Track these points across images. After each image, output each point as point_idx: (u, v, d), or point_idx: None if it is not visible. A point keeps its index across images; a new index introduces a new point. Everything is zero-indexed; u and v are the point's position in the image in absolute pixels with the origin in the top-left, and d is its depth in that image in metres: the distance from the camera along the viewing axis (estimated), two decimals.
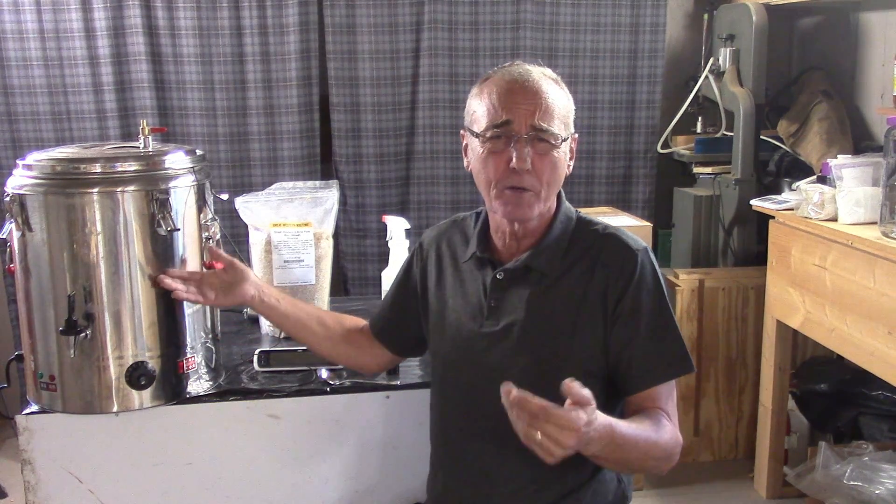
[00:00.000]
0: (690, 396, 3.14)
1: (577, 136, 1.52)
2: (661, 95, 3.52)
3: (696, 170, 3.46)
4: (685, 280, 3.10)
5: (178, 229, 1.58)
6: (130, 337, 1.58)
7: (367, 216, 3.45)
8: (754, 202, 2.95)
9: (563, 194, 1.54)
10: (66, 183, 1.53)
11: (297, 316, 1.66)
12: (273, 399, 1.70)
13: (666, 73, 3.53)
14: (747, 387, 3.17)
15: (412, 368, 1.82)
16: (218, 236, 1.69)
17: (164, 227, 1.55)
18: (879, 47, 3.12)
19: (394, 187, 3.47)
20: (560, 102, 1.46)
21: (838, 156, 2.69)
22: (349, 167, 3.42)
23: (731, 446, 3.22)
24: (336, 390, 1.72)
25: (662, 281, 1.49)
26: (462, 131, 1.53)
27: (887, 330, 2.27)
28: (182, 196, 1.60)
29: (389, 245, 2.10)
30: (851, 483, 2.56)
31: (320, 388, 1.72)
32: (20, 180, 1.55)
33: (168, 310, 1.61)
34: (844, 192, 2.49)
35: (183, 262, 1.62)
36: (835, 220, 2.53)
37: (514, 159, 1.41)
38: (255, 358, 1.79)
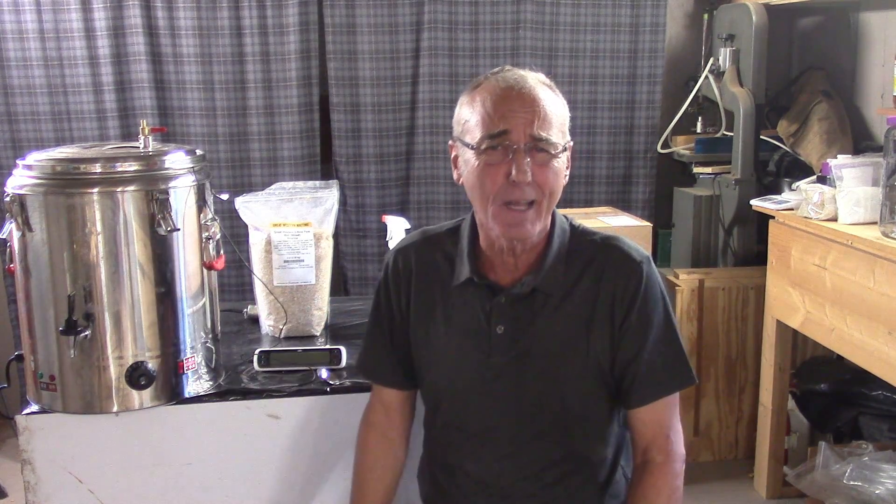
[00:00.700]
0: (690, 396, 3.14)
1: (572, 144, 1.45)
2: (661, 95, 3.52)
3: (696, 170, 3.46)
4: (685, 280, 3.10)
5: (178, 229, 1.58)
6: (130, 337, 1.58)
7: (367, 216, 3.45)
8: (754, 202, 2.95)
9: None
10: (66, 183, 1.53)
11: None
12: (273, 399, 1.69)
13: (666, 73, 3.54)
14: (747, 387, 3.17)
15: None
16: (218, 236, 1.69)
17: (164, 227, 1.55)
18: (879, 47, 3.12)
19: (394, 187, 3.47)
20: (557, 110, 1.39)
21: (838, 156, 2.70)
22: (349, 167, 3.42)
23: (731, 446, 3.22)
24: (336, 390, 1.71)
25: (665, 291, 1.47)
26: (451, 142, 1.45)
27: (887, 330, 2.27)
28: (182, 196, 1.60)
29: (389, 245, 2.10)
30: (851, 483, 2.56)
31: (320, 388, 1.72)
32: (20, 180, 1.55)
33: (168, 310, 1.61)
34: (844, 192, 2.49)
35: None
36: (835, 220, 2.53)
37: (513, 172, 1.33)
38: (255, 358, 1.79)
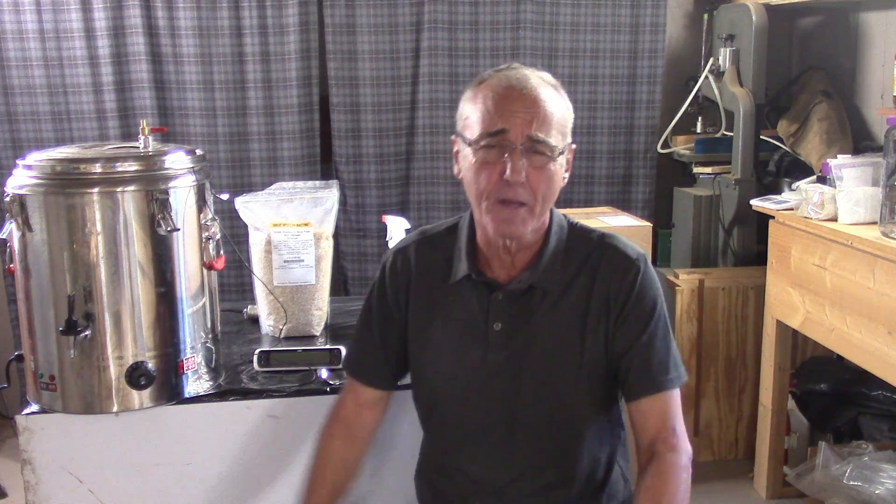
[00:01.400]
0: (690, 396, 3.14)
1: (574, 146, 1.45)
2: (661, 95, 3.52)
3: (696, 170, 3.46)
4: (685, 280, 3.10)
5: (178, 229, 1.58)
6: (130, 337, 1.58)
7: (367, 216, 3.45)
8: (754, 202, 2.95)
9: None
10: (66, 183, 1.53)
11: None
12: (273, 399, 1.70)
13: (666, 73, 3.53)
14: (747, 387, 3.17)
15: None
16: (218, 236, 1.69)
17: (164, 227, 1.55)
18: (879, 47, 3.12)
19: (394, 187, 3.47)
20: (559, 111, 1.39)
21: (838, 156, 2.70)
22: (349, 167, 3.42)
23: (731, 446, 3.22)
24: (336, 390, 1.71)
25: (660, 289, 1.47)
26: (453, 137, 1.45)
27: (887, 330, 2.27)
28: (182, 196, 1.60)
29: (389, 245, 2.10)
30: (851, 483, 2.56)
31: (320, 388, 1.72)
32: (20, 180, 1.55)
33: (168, 310, 1.61)
34: (844, 192, 2.49)
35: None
36: (835, 220, 2.53)
37: (507, 171, 1.33)
38: (255, 358, 1.79)
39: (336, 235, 2.92)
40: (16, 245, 1.58)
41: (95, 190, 1.53)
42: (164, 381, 1.62)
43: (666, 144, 3.55)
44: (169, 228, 1.55)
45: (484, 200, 1.38)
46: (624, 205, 3.50)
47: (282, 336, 1.98)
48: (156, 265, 1.58)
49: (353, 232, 3.47)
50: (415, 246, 1.55)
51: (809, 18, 3.57)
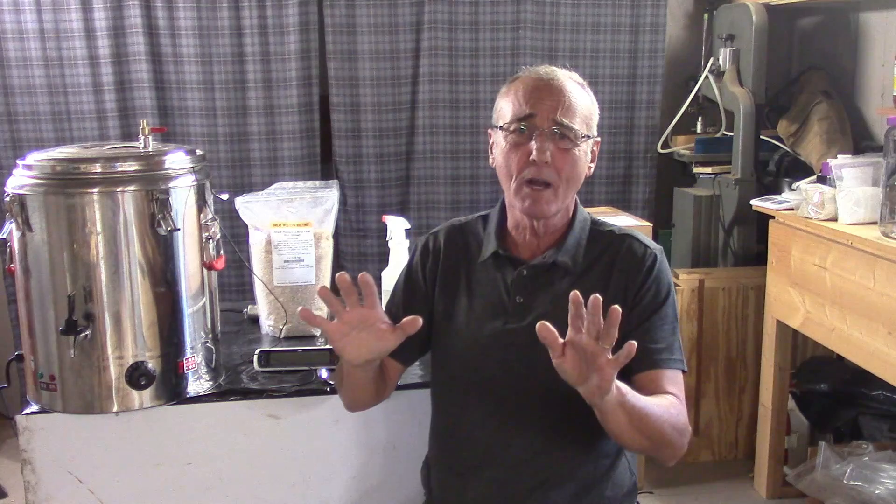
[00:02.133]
0: (690, 396, 3.14)
1: (599, 140, 1.55)
2: (661, 95, 3.52)
3: (696, 170, 3.46)
4: (685, 280, 3.10)
5: (178, 229, 1.58)
6: (130, 337, 1.58)
7: (367, 216, 3.45)
8: (754, 202, 2.95)
9: (578, 199, 1.58)
10: (66, 183, 1.53)
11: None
12: (273, 399, 1.70)
13: (666, 73, 3.53)
14: (747, 387, 3.17)
15: (412, 368, 1.81)
16: (218, 236, 1.69)
17: (164, 227, 1.55)
18: (879, 47, 3.12)
19: (394, 187, 3.47)
20: (583, 103, 1.51)
21: (838, 156, 2.70)
22: (349, 167, 3.42)
23: (731, 446, 3.22)
24: (336, 390, 1.71)
25: (672, 285, 1.54)
26: (489, 130, 1.57)
27: (887, 330, 2.27)
28: (182, 196, 1.60)
29: (389, 245, 2.10)
30: (851, 483, 2.56)
31: (320, 388, 1.72)
32: (20, 180, 1.55)
33: (168, 310, 1.61)
34: (844, 192, 2.49)
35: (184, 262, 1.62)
36: (835, 220, 2.53)
37: (534, 152, 1.45)
38: (255, 358, 1.79)
39: (336, 235, 2.92)
40: (16, 245, 1.58)
41: (95, 190, 1.53)
42: (164, 381, 1.62)
43: (666, 144, 3.55)
44: (169, 228, 1.55)
45: (514, 182, 1.49)
46: (624, 205, 3.50)
47: (282, 336, 1.98)
48: (156, 265, 1.58)
49: (353, 232, 3.47)
50: (445, 231, 1.65)
51: (809, 18, 3.57)
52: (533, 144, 1.46)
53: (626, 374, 1.49)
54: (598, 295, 1.25)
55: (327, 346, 1.86)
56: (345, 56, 3.33)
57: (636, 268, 1.51)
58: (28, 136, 3.26)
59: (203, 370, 1.69)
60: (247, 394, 1.70)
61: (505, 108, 1.52)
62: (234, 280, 3.29)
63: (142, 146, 1.64)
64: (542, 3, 3.38)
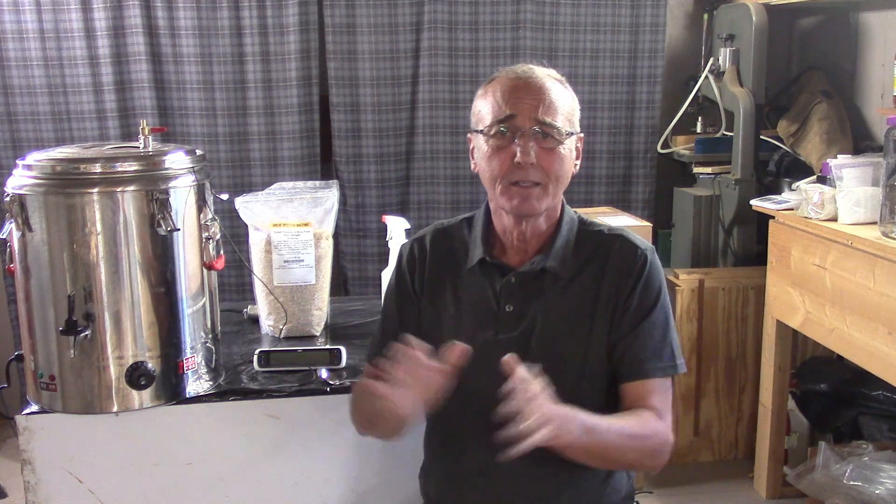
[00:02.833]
0: (690, 396, 3.14)
1: (582, 136, 1.52)
2: (661, 95, 3.52)
3: (696, 170, 3.46)
4: (685, 280, 3.10)
5: (178, 229, 1.58)
6: (130, 337, 1.58)
7: (367, 216, 3.45)
8: (754, 202, 2.95)
9: (564, 199, 1.55)
10: (66, 183, 1.53)
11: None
12: (273, 399, 1.70)
13: (666, 73, 3.54)
14: (747, 387, 3.17)
15: None
16: (218, 236, 1.69)
17: (164, 227, 1.55)
18: (879, 47, 3.12)
19: (394, 187, 3.47)
20: (564, 100, 1.47)
21: (838, 156, 2.70)
22: (349, 167, 3.42)
23: (731, 446, 3.22)
24: (336, 390, 1.71)
25: (664, 283, 1.52)
26: (469, 135, 1.53)
27: (887, 330, 2.27)
28: (182, 196, 1.60)
29: (389, 245, 2.10)
30: (851, 483, 2.56)
31: (320, 388, 1.72)
32: (20, 180, 1.55)
33: (168, 310, 1.61)
34: (844, 192, 2.49)
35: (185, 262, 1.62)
36: (835, 220, 2.53)
37: (518, 153, 1.41)
38: (255, 358, 1.79)
39: (336, 235, 2.92)
40: (16, 245, 1.58)
41: (95, 190, 1.53)
42: (164, 381, 1.62)
43: (666, 144, 3.55)
44: (169, 228, 1.55)
45: (498, 184, 1.45)
46: (624, 205, 3.50)
47: (282, 336, 1.98)
48: (156, 265, 1.58)
49: (353, 232, 3.47)
50: (431, 235, 1.61)
51: (809, 18, 3.57)
52: (516, 147, 1.42)
53: (614, 384, 1.49)
54: (511, 357, 1.29)
55: (327, 347, 1.86)
56: (345, 56, 3.33)
57: (627, 270, 1.48)
58: (28, 136, 3.26)
59: (203, 370, 1.69)
60: (247, 394, 1.70)
61: (483, 110, 1.47)
62: (234, 280, 3.29)
63: (142, 146, 1.64)
64: (542, 3, 3.38)
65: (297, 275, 1.97)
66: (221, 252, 1.70)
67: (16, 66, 3.22)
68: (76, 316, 1.52)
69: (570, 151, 1.47)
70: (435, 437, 1.60)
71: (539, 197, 1.45)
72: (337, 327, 2.07)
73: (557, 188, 1.47)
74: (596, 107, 3.48)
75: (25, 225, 1.54)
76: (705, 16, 3.51)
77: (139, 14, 3.21)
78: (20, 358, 1.67)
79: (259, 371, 1.78)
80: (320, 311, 2.00)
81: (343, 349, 1.80)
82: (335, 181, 2.62)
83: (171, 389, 1.64)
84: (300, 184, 2.32)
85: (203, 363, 1.69)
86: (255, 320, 2.09)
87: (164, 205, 1.55)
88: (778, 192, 3.06)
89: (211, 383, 1.71)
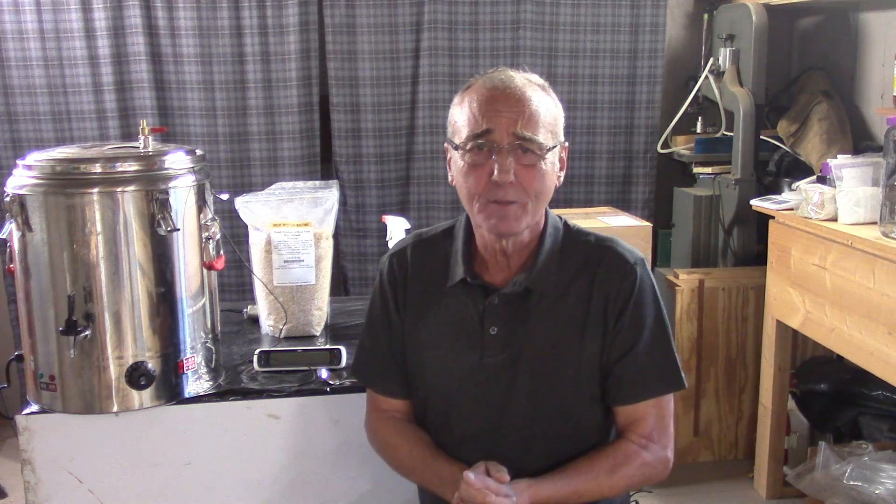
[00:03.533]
0: (690, 396, 3.14)
1: (567, 144, 1.44)
2: (661, 95, 3.52)
3: (696, 170, 3.46)
4: (685, 280, 3.10)
5: (178, 229, 1.58)
6: (130, 337, 1.58)
7: (367, 216, 3.45)
8: (754, 202, 2.95)
9: (547, 206, 1.46)
10: (66, 183, 1.53)
11: None
12: (273, 399, 1.70)
13: (666, 73, 3.53)
14: (747, 387, 3.16)
15: None
16: (218, 236, 1.69)
17: (164, 227, 1.55)
18: (879, 47, 3.12)
19: (394, 187, 3.47)
20: (546, 109, 1.37)
21: (838, 156, 2.69)
22: (349, 167, 3.42)
23: (731, 446, 3.22)
24: (336, 390, 1.72)
25: (658, 294, 1.46)
26: (445, 145, 1.46)
27: (887, 330, 2.27)
28: (182, 196, 1.60)
29: (389, 245, 2.10)
30: (851, 483, 2.55)
31: (320, 388, 1.72)
32: (20, 180, 1.55)
33: (168, 310, 1.61)
34: (844, 192, 2.49)
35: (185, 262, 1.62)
36: (835, 220, 2.53)
37: (495, 171, 1.33)
38: (255, 358, 1.79)
39: (336, 235, 2.92)
40: (16, 245, 1.58)
41: (95, 190, 1.53)
42: (164, 381, 1.62)
43: (666, 144, 3.55)
44: (169, 228, 1.55)
45: (476, 202, 1.38)
46: (624, 205, 3.50)
47: (282, 336, 1.98)
48: (156, 265, 1.58)
49: (353, 232, 3.47)
50: (411, 249, 1.54)
51: (809, 18, 3.57)
52: (494, 164, 1.33)
53: (608, 406, 1.46)
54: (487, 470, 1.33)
55: (327, 347, 1.86)
56: (345, 56, 3.33)
57: (617, 288, 1.41)
58: (28, 136, 3.26)
59: (203, 370, 1.69)
60: (246, 394, 1.70)
61: (459, 121, 1.38)
62: (234, 280, 3.29)
63: (142, 146, 1.64)
64: (542, 3, 3.38)
65: (297, 275, 1.97)
66: (221, 252, 1.70)
67: (16, 66, 3.21)
68: (76, 316, 1.52)
69: (552, 165, 1.38)
70: None
71: (518, 216, 1.36)
72: (337, 327, 2.07)
73: (538, 206, 1.39)
74: (596, 107, 3.48)
75: (25, 225, 1.54)
76: (705, 16, 3.51)
77: (139, 14, 3.20)
78: (20, 358, 1.67)
79: (259, 371, 1.78)
80: (320, 311, 2.01)
81: (343, 349, 1.80)
82: (335, 181, 2.62)
83: (170, 389, 1.64)
84: (300, 184, 2.32)
85: (203, 363, 1.69)
86: (255, 320, 2.09)
87: (164, 205, 1.55)
88: (778, 192, 3.06)
89: (211, 383, 1.71)
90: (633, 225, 2.87)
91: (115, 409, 1.60)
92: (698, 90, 3.42)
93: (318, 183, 2.38)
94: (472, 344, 1.44)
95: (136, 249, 1.56)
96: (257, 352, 1.80)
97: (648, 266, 1.48)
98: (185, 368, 1.65)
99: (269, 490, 1.72)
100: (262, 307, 2.01)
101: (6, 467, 3.12)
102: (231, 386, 1.73)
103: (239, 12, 3.26)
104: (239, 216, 1.98)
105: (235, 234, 2.53)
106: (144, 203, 1.55)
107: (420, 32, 3.35)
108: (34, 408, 1.64)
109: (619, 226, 2.82)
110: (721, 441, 3.21)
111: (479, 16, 3.36)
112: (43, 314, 1.57)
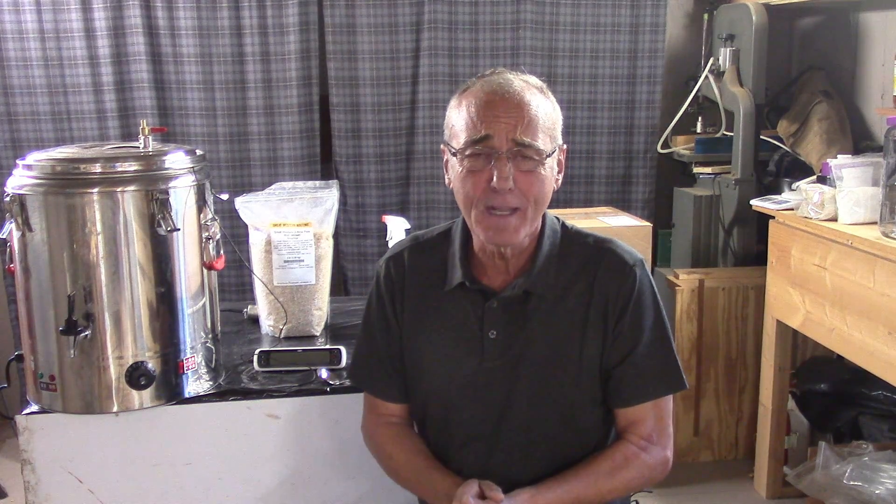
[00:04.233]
0: (690, 396, 3.14)
1: (565, 146, 1.43)
2: (661, 95, 3.52)
3: (696, 170, 3.46)
4: (685, 280, 3.10)
5: (178, 229, 1.58)
6: (130, 337, 1.58)
7: (367, 216, 3.45)
8: (754, 202, 2.95)
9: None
10: (66, 183, 1.53)
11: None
12: (273, 399, 1.70)
13: (666, 73, 3.53)
14: (747, 387, 3.17)
15: None
16: (218, 236, 1.69)
17: (164, 227, 1.55)
18: (879, 47, 3.12)
19: (394, 187, 3.47)
20: (544, 113, 1.36)
21: (838, 156, 2.69)
22: (349, 167, 3.42)
23: (731, 446, 3.22)
24: (336, 390, 1.72)
25: (657, 295, 1.46)
26: (442, 147, 1.44)
27: (887, 330, 2.27)
28: (182, 196, 1.60)
29: (389, 245, 2.10)
30: (851, 483, 2.56)
31: (320, 388, 1.72)
32: (20, 180, 1.55)
33: (168, 310, 1.61)
34: (844, 192, 2.49)
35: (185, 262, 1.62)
36: (835, 220, 2.53)
37: (494, 178, 1.32)
38: (255, 358, 1.79)
39: (336, 235, 2.92)
40: (16, 245, 1.58)
41: (95, 190, 1.53)
42: (164, 381, 1.62)
43: (666, 144, 3.55)
44: (169, 228, 1.55)
45: (473, 209, 1.37)
46: (624, 205, 3.50)
47: (282, 336, 1.98)
48: (156, 265, 1.58)
49: (353, 232, 3.47)
50: (408, 252, 1.53)
51: (809, 18, 3.57)
52: (492, 170, 1.31)
53: (608, 408, 1.46)
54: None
55: (327, 347, 1.86)
56: (345, 56, 3.33)
57: (616, 290, 1.40)
58: (28, 136, 3.26)
59: (203, 370, 1.69)
60: (246, 394, 1.70)
61: (457, 125, 1.37)
62: (234, 280, 3.30)
63: (142, 146, 1.64)
64: (542, 3, 3.38)
65: (297, 275, 1.97)
66: (221, 252, 1.71)
67: (16, 66, 3.22)
68: (76, 316, 1.52)
69: (550, 170, 1.37)
70: None
71: (517, 227, 1.35)
72: (337, 327, 2.07)
73: (537, 211, 1.38)
74: (596, 107, 3.48)
75: (25, 225, 1.54)
76: (705, 16, 3.51)
77: (139, 14, 3.21)
78: (20, 358, 1.67)
79: (259, 371, 1.78)
80: (320, 311, 2.01)
81: (343, 349, 1.80)
82: (335, 181, 2.62)
83: (170, 389, 1.64)
84: (300, 184, 2.32)
85: (203, 363, 1.69)
86: (255, 320, 2.09)
87: (164, 205, 1.55)
88: (778, 192, 3.06)
89: (211, 383, 1.71)
90: (633, 225, 2.87)
91: (115, 409, 1.60)
92: (698, 90, 3.42)
93: (318, 183, 2.38)
94: (471, 348, 1.43)
95: (136, 249, 1.56)
96: (257, 352, 1.80)
97: (648, 266, 1.47)
98: (185, 368, 1.65)
99: (268, 490, 1.72)
100: (262, 307, 2.01)
101: (6, 467, 3.12)
102: (231, 386, 1.73)
103: (239, 12, 3.26)
104: (239, 216, 1.98)
105: (235, 234, 2.53)
106: (144, 203, 1.55)
107: (420, 32, 3.35)
108: (34, 408, 1.64)
109: (619, 226, 2.82)
110: (721, 441, 3.21)
111: (479, 16, 3.36)
112: (43, 314, 1.57)
